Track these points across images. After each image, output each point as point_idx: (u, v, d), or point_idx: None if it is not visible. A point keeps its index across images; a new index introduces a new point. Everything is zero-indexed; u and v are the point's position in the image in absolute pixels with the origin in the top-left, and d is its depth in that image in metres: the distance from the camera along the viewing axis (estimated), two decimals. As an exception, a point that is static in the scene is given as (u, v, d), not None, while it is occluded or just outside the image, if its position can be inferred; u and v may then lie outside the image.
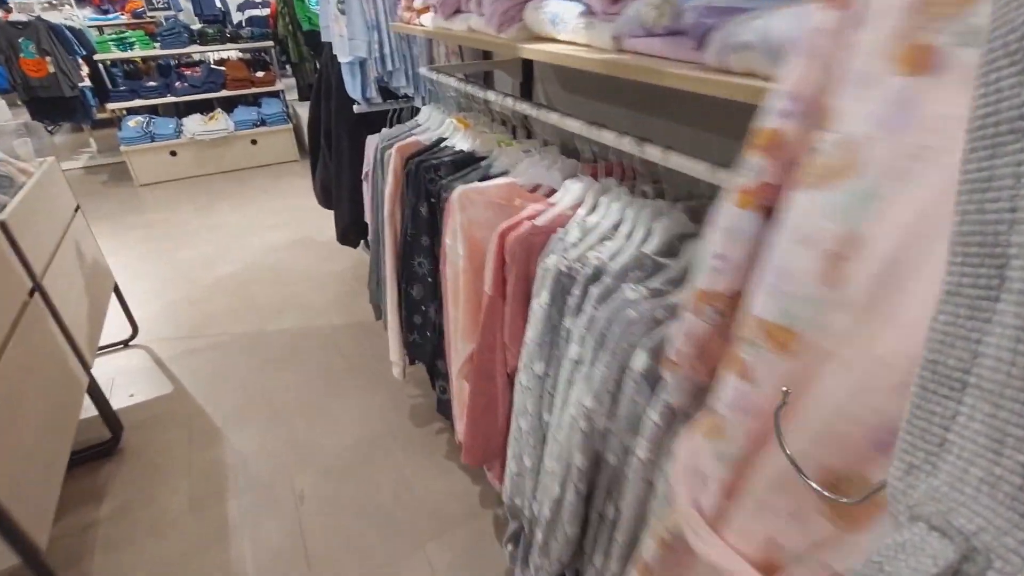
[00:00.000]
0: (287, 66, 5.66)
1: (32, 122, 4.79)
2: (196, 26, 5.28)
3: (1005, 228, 0.26)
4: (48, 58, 4.32)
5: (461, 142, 1.54)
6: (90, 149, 5.29)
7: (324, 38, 2.23)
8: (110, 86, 4.75)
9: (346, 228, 2.66)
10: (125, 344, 2.49)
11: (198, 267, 3.13)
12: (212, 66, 4.88)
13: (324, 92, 2.62)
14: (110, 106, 4.47)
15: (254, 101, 5.07)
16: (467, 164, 1.37)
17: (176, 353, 2.42)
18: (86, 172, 4.97)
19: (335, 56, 2.38)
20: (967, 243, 0.28)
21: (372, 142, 1.87)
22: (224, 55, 5.48)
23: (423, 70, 1.68)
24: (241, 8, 6.94)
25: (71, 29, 4.69)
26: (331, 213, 2.80)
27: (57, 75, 4.37)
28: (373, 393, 2.13)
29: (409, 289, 1.56)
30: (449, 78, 1.57)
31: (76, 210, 2.16)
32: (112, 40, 4.61)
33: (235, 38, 4.98)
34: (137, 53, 4.68)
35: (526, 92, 1.94)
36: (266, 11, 6.55)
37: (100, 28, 6.45)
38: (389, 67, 1.91)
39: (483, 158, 1.38)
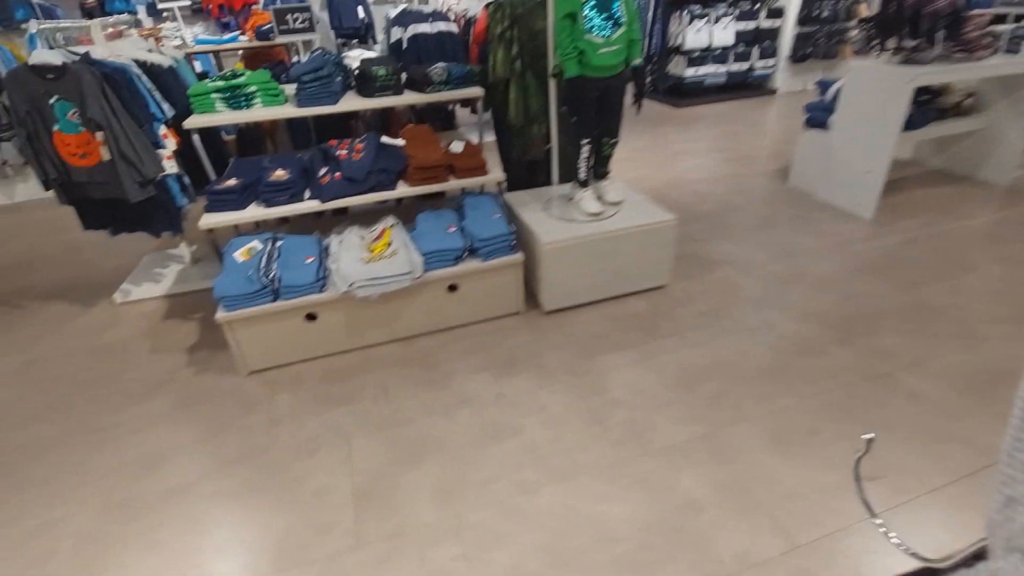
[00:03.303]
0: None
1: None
2: (352, 59, 3.11)
3: None
4: (100, 134, 2.28)
5: None
6: (178, 255, 3.30)
7: None
8: (211, 171, 2.66)
9: None
10: None
11: None
12: (384, 140, 2.66)
13: None
14: (205, 222, 2.37)
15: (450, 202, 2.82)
16: None
17: None
18: (169, 306, 2.95)
19: None
20: None
21: None
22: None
23: None
24: (401, 22, 4.70)
25: (152, 70, 2.64)
26: None
27: (116, 164, 2.33)
28: None
29: None
30: None
31: None
32: (217, 91, 2.50)
33: (422, 81, 2.74)
34: (257, 115, 2.56)
35: None
36: (443, 26, 4.34)
37: (215, 54, 4.56)
38: None
39: None
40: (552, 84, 2.76)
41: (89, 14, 5.40)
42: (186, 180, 2.73)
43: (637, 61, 2.38)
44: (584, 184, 2.67)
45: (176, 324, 2.79)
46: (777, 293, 2.73)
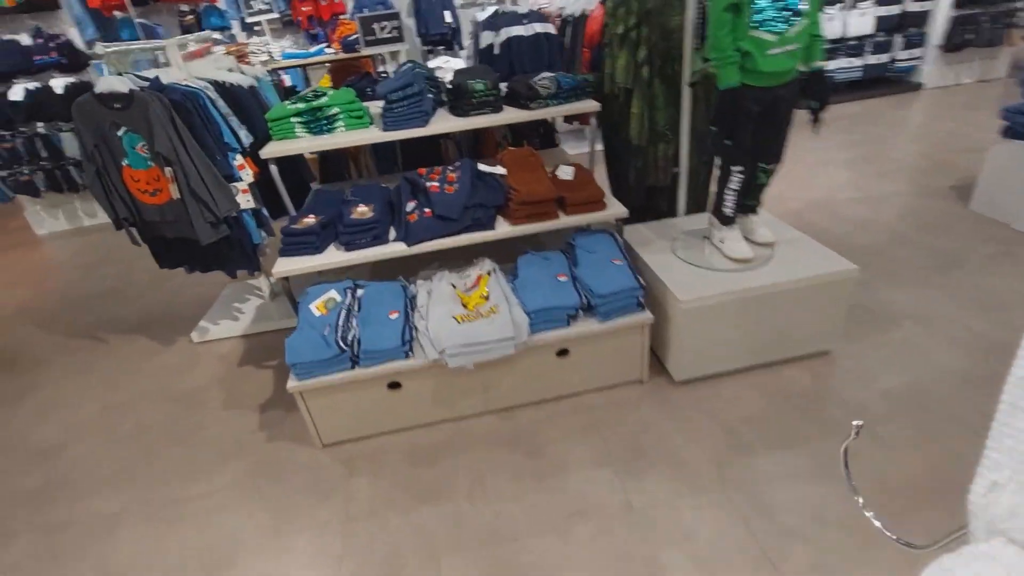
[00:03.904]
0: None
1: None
2: (444, 71, 2.73)
3: None
4: (169, 170, 2.02)
5: None
6: (258, 288, 3.07)
7: None
8: (290, 205, 2.36)
9: None
10: None
11: None
12: (481, 166, 2.24)
13: None
14: (279, 269, 2.04)
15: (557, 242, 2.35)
16: None
17: None
18: (246, 348, 2.71)
19: None
20: None
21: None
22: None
23: None
24: (491, 26, 4.23)
25: (231, 91, 2.38)
26: None
27: (185, 202, 2.06)
28: None
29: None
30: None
31: None
32: (297, 115, 2.19)
33: (526, 95, 2.29)
34: (339, 140, 2.22)
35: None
36: (540, 28, 3.87)
37: (303, 69, 4.38)
38: None
39: None
40: (686, 94, 2.22)
41: (188, 31, 5.45)
42: (264, 213, 2.46)
43: (819, 64, 1.80)
44: (729, 221, 2.11)
45: (251, 371, 2.53)
46: (992, 365, 2.04)
